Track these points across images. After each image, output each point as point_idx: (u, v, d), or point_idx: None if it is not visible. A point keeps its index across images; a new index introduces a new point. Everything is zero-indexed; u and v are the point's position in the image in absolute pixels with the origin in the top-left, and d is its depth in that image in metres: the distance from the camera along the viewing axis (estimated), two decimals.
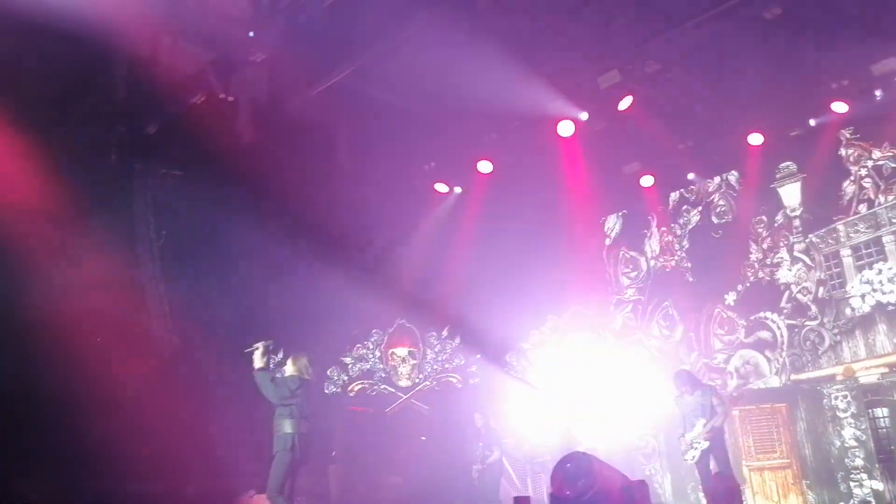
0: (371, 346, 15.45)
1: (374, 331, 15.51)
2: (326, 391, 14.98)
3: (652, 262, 14.50)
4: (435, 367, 15.42)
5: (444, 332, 15.58)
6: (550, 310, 15.26)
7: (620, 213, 15.05)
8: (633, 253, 14.78)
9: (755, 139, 12.32)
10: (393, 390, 15.18)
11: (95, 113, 10.87)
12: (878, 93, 11.04)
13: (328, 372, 15.06)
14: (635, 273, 14.70)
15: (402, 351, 15.51)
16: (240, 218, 11.99)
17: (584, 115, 11.83)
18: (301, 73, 11.05)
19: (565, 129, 11.92)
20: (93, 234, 11.11)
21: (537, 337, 15.29)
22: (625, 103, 11.51)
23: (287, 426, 8.83)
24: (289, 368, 9.30)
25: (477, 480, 11.00)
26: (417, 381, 15.33)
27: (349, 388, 15.09)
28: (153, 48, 10.45)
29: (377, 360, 15.39)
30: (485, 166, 13.03)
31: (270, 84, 11.31)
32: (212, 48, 10.53)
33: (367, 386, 15.17)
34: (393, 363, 15.39)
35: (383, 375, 15.29)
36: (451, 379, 15.12)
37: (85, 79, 10.46)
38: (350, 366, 15.24)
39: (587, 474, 5.62)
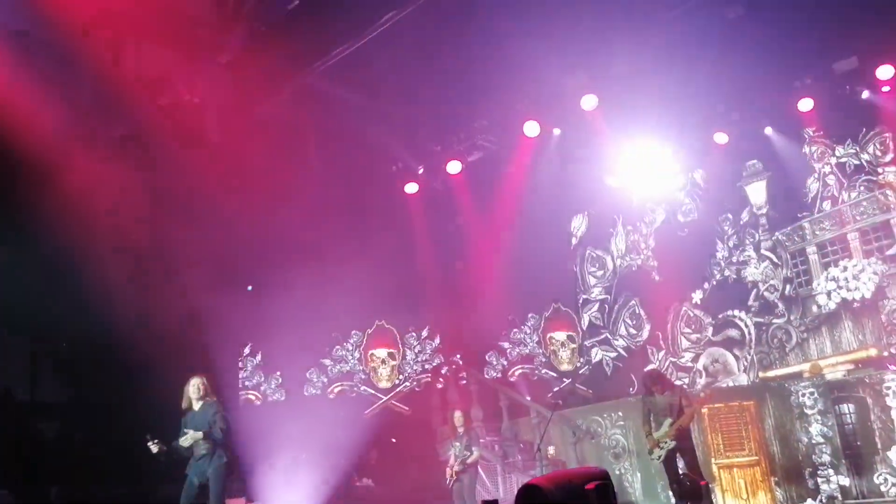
0: (350, 348, 15.42)
1: (353, 332, 15.48)
2: (306, 393, 14.97)
3: (618, 261, 14.53)
4: (415, 367, 15.42)
5: (424, 333, 15.57)
6: (531, 308, 15.26)
7: (586, 213, 15.06)
8: (598, 252, 14.80)
9: (720, 138, 12.42)
10: (373, 392, 15.14)
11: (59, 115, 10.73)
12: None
13: (307, 374, 15.02)
14: (601, 272, 14.73)
15: (381, 352, 15.50)
16: (210, 220, 11.92)
17: (557, 119, 11.95)
18: (267, 74, 10.99)
19: (531, 129, 11.94)
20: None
21: (517, 336, 15.29)
22: (590, 103, 11.55)
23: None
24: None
25: (454, 482, 10.94)
26: (397, 382, 15.32)
27: (329, 390, 15.06)
28: (117, 49, 10.36)
29: (357, 362, 15.37)
30: (453, 166, 13.03)
31: (236, 86, 11.26)
32: (177, 49, 10.48)
33: (347, 388, 15.15)
34: (373, 364, 15.36)
35: (363, 377, 15.27)
36: (430, 379, 15.11)
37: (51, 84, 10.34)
38: (330, 367, 15.22)
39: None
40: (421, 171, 13.37)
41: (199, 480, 8.69)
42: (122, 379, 11.40)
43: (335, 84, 11.46)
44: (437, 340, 15.48)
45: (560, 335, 15.14)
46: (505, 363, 15.24)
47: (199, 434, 8.64)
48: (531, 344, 15.20)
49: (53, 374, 11.08)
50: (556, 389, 14.31)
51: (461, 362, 15.03)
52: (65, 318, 11.26)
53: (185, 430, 8.74)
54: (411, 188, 13.71)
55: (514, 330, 15.40)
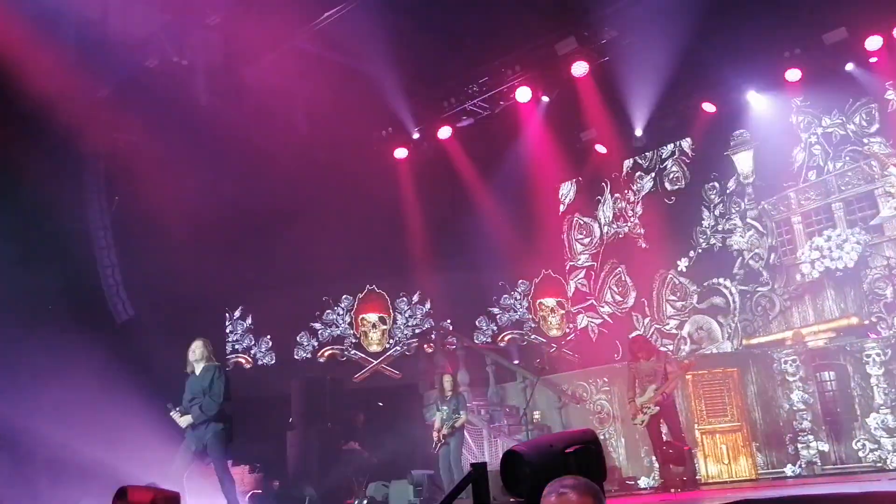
0: (341, 312, 15.44)
1: (344, 296, 15.49)
2: (296, 357, 14.98)
3: (605, 229, 14.63)
4: (405, 332, 15.47)
5: (415, 298, 15.61)
6: (521, 274, 15.31)
7: (574, 180, 15.12)
8: (586, 219, 14.89)
9: (709, 107, 12.47)
10: (363, 356, 15.19)
11: (43, 75, 10.57)
12: None
13: (298, 337, 15.04)
14: (588, 239, 14.82)
15: (372, 316, 15.54)
16: (196, 185, 11.83)
17: (544, 98, 11.93)
18: (257, 36, 10.87)
19: (522, 94, 11.92)
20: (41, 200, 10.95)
21: (507, 301, 15.35)
22: (580, 70, 11.54)
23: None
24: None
25: (441, 445, 11.03)
26: (388, 346, 15.38)
27: (319, 354, 15.10)
28: (103, 9, 10.21)
29: (347, 326, 15.40)
30: (444, 132, 13.00)
31: (226, 48, 11.14)
32: (164, 10, 10.34)
33: (337, 352, 15.19)
34: (363, 329, 15.39)
35: (354, 341, 15.30)
36: (418, 344, 15.18)
37: (31, 40, 10.17)
38: (320, 331, 15.24)
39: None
40: (413, 136, 13.30)
41: (195, 447, 8.62)
42: (108, 341, 11.37)
43: (325, 47, 11.37)
44: (428, 305, 15.52)
45: (550, 301, 15.28)
46: (495, 328, 15.36)
47: (188, 418, 8.58)
48: (521, 310, 15.32)
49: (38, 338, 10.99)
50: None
51: (451, 327, 15.08)
52: (48, 280, 11.19)
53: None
54: (401, 153, 13.66)
55: (505, 296, 15.51)
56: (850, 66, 11.47)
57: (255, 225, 13.00)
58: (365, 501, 12.29)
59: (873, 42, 11.02)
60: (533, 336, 15.11)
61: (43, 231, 11.02)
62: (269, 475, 12.54)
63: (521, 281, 15.37)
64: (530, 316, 15.23)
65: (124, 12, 10.50)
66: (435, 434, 11.14)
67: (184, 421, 8.58)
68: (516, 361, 14.19)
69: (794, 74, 11.70)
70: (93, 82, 10.80)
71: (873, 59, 11.25)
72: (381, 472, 12.56)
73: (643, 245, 14.01)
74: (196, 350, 8.84)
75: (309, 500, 12.02)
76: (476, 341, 15.05)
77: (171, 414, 8.60)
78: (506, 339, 15.22)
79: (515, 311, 15.36)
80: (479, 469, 4.44)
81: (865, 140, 11.70)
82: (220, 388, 8.66)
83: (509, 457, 3.58)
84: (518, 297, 15.35)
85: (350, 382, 14.52)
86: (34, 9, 9.42)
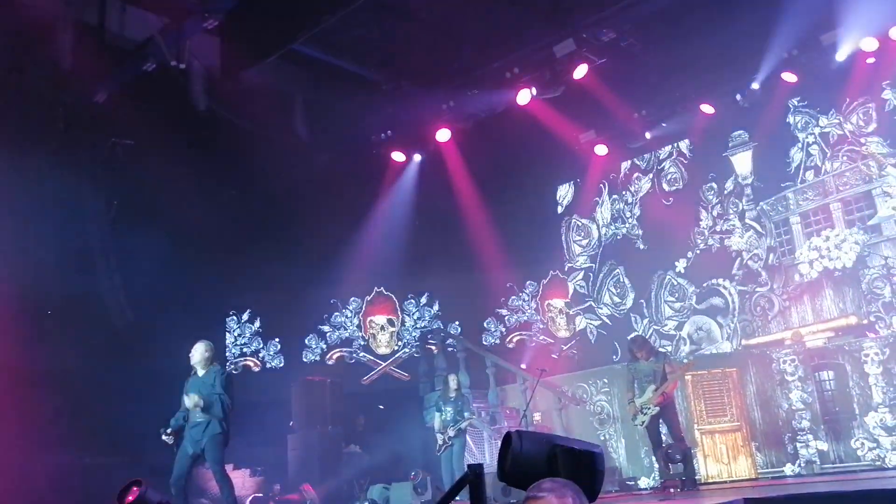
0: (349, 314, 15.46)
1: (352, 299, 15.51)
2: (305, 360, 14.97)
3: (603, 230, 14.64)
4: (413, 334, 15.48)
5: (423, 300, 15.63)
6: (529, 276, 15.31)
7: (572, 182, 15.13)
8: (584, 221, 14.90)
9: (707, 108, 12.50)
10: (372, 358, 15.21)
11: (41, 81, 10.57)
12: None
13: (306, 340, 15.04)
14: (587, 241, 14.84)
15: (380, 319, 15.57)
16: (196, 188, 11.84)
17: (546, 88, 11.95)
18: (255, 39, 10.88)
19: (522, 97, 11.93)
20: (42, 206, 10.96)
21: (516, 303, 15.34)
22: (580, 72, 11.55)
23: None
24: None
25: (445, 447, 11.03)
26: (396, 348, 15.40)
27: (328, 357, 15.12)
28: (100, 14, 10.21)
29: (356, 328, 15.41)
30: (443, 134, 13.00)
31: (224, 51, 11.14)
32: (162, 14, 10.33)
33: (346, 354, 15.19)
34: (372, 331, 15.41)
35: (362, 343, 15.32)
36: (429, 345, 15.19)
37: (28, 45, 10.17)
38: (328, 334, 15.25)
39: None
40: (410, 140, 13.31)
41: (193, 450, 8.62)
42: (108, 345, 11.37)
43: (323, 50, 11.38)
44: (436, 307, 15.53)
45: (558, 302, 15.29)
46: (503, 330, 15.36)
47: (200, 402, 8.55)
48: (529, 311, 15.29)
49: (39, 342, 10.98)
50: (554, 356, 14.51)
51: (459, 329, 15.10)
52: (49, 284, 11.19)
53: (187, 394, 8.70)
54: (398, 156, 13.65)
55: (513, 297, 15.47)
56: (846, 67, 11.49)
57: (259, 228, 12.99)
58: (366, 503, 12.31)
59: (869, 43, 11.05)
60: (541, 337, 15.11)
61: (42, 233, 11.02)
62: (270, 479, 12.54)
63: (529, 282, 15.35)
64: (539, 317, 15.22)
65: (122, 16, 10.50)
66: (440, 436, 11.13)
67: (169, 439, 8.57)
68: (523, 365, 14.19)
69: (790, 76, 11.73)
70: (92, 87, 10.81)
71: (870, 60, 11.28)
72: (381, 475, 12.57)
73: (641, 246, 14.04)
74: (199, 352, 8.86)
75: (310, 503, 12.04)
76: (484, 343, 15.07)
77: (164, 437, 8.58)
78: (514, 340, 15.22)
79: (524, 313, 15.35)
80: (476, 470, 4.44)
81: (863, 140, 11.74)
82: (226, 389, 8.69)
83: (505, 439, 3.71)
84: (526, 298, 15.33)
85: (350, 385, 14.49)
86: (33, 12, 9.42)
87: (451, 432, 10.97)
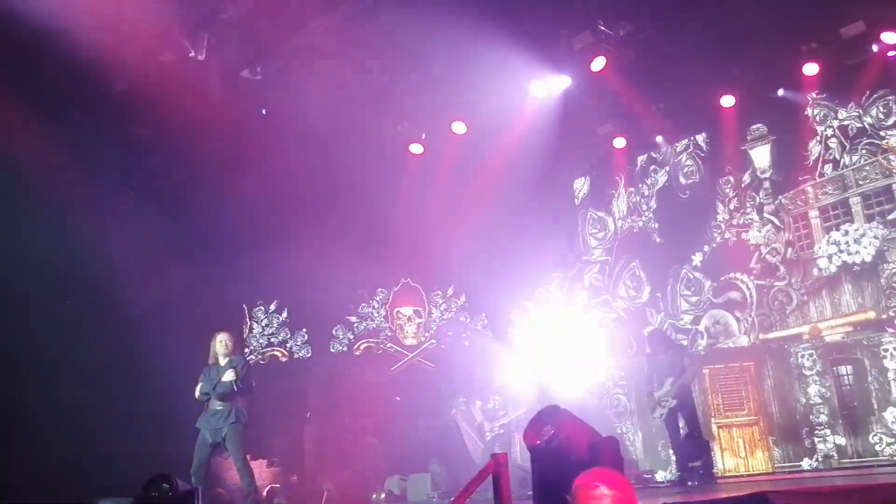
0: (376, 305, 15.50)
1: (379, 290, 15.55)
2: (332, 350, 15.02)
3: (619, 223, 14.56)
4: (440, 325, 15.49)
5: (450, 291, 15.63)
6: (556, 267, 15.19)
7: (588, 174, 15.05)
8: (600, 213, 14.82)
9: (727, 101, 12.43)
10: (399, 349, 15.23)
11: (59, 71, 10.59)
12: None
13: (334, 331, 15.07)
14: (602, 234, 14.77)
15: (407, 310, 15.59)
16: (211, 179, 11.86)
17: (564, 80, 11.90)
18: (273, 31, 10.86)
19: (538, 89, 11.90)
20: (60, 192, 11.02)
21: (542, 295, 15.30)
22: (598, 64, 11.52)
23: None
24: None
25: (488, 441, 11.11)
26: (423, 339, 15.42)
27: (355, 347, 15.14)
28: (118, 4, 10.20)
29: (382, 319, 15.45)
30: (459, 127, 12.98)
31: (241, 43, 11.13)
32: (180, 5, 10.33)
33: (373, 345, 15.22)
34: (399, 322, 15.44)
35: (389, 334, 15.35)
36: (434, 340, 15.26)
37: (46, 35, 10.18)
38: (356, 324, 15.29)
39: (554, 422, 5.79)
40: (424, 135, 13.31)
41: (212, 439, 8.69)
42: (126, 336, 11.43)
43: (340, 42, 11.35)
44: (463, 299, 15.53)
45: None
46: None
47: (232, 375, 8.67)
48: (555, 303, 15.21)
49: (57, 332, 11.04)
50: None
51: (487, 321, 15.11)
52: (67, 275, 11.25)
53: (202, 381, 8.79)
54: (416, 149, 13.63)
55: (539, 289, 15.34)
56: (866, 60, 11.42)
57: (282, 220, 12.98)
58: (383, 495, 12.35)
59: (890, 36, 10.98)
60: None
61: (57, 223, 11.08)
62: (287, 469, 12.58)
63: (555, 273, 15.11)
64: (387, 324, 15.29)
65: (139, 6, 10.49)
66: (487, 424, 11.22)
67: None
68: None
69: (811, 68, 11.66)
70: (108, 76, 10.83)
71: (891, 53, 11.20)
72: (399, 466, 12.60)
73: (657, 240, 13.96)
74: (225, 343, 8.93)
75: (327, 494, 12.07)
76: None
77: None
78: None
79: (372, 320, 15.41)
80: (500, 461, 4.43)
81: (883, 133, 11.63)
82: (248, 377, 8.84)
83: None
84: (553, 290, 15.11)
85: (370, 376, 14.50)
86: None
87: (490, 427, 11.13)
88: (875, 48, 11.24)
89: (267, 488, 11.79)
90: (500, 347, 14.24)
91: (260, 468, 11.84)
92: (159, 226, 11.93)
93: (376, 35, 11.10)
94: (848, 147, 11.95)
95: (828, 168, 12.12)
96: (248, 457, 9.51)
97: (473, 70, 11.75)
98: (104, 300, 11.57)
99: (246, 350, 14.31)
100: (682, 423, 10.28)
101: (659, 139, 13.77)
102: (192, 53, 10.79)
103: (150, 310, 12.05)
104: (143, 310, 12.09)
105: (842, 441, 11.11)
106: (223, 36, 10.97)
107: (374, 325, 15.33)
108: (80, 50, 10.21)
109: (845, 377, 11.30)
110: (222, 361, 8.90)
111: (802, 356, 11.55)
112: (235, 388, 8.72)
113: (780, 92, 12.25)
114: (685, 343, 12.68)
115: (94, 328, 11.31)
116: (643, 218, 14.21)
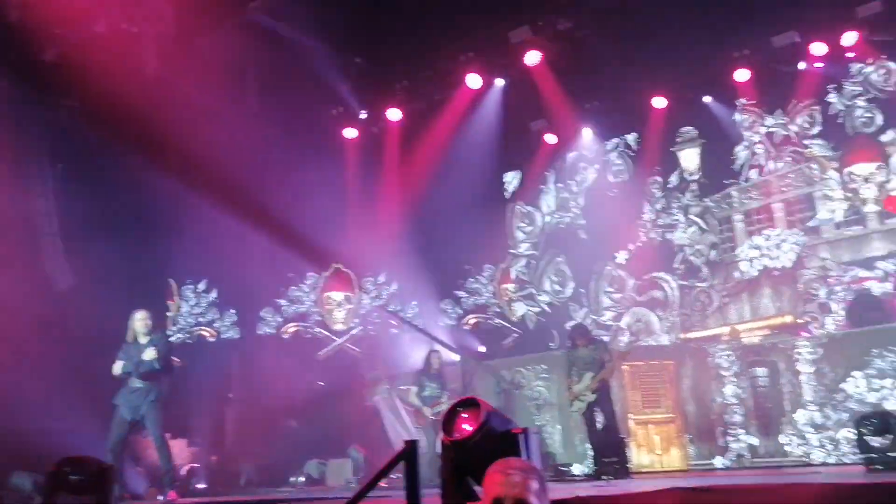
0: (307, 289, 15.37)
1: (309, 274, 15.39)
2: (259, 332, 14.87)
3: (547, 218, 14.66)
4: (370, 311, 15.42)
5: (381, 278, 15.56)
6: (488, 259, 15.21)
7: (519, 169, 15.09)
8: (529, 208, 14.92)
9: (659, 102, 12.61)
10: (327, 333, 15.14)
11: None
12: None
13: (261, 313, 14.92)
14: (531, 228, 14.85)
15: (337, 295, 15.48)
16: (142, 155, 11.66)
17: (499, 73, 11.94)
18: (210, 5, 10.70)
19: (473, 81, 11.94)
20: None
21: (473, 286, 15.34)
22: (532, 59, 11.59)
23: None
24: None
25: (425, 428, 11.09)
26: (352, 325, 15.33)
27: (283, 330, 15.01)
28: None
29: (312, 303, 15.34)
30: (394, 114, 12.95)
31: (178, 16, 10.94)
32: None
33: (301, 329, 15.08)
34: (328, 307, 15.33)
35: (318, 318, 15.23)
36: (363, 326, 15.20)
37: None
38: (284, 308, 15.15)
39: (473, 415, 5.81)
40: (362, 117, 13.24)
41: (131, 416, 8.59)
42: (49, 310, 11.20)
43: (277, 20, 11.25)
44: (395, 286, 15.48)
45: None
46: (461, 312, 15.27)
47: (153, 353, 8.59)
48: (486, 294, 15.24)
49: None
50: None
51: (418, 309, 15.12)
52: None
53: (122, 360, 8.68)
54: (350, 133, 13.58)
55: (471, 279, 15.34)
56: (795, 69, 11.69)
57: (214, 199, 12.79)
58: (302, 479, 12.31)
59: (819, 48, 11.26)
60: (497, 320, 15.03)
61: None
62: (207, 450, 12.48)
63: (486, 266, 15.17)
64: (496, 300, 15.17)
65: None
66: (427, 409, 11.20)
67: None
68: (482, 348, 14.26)
69: (742, 74, 11.89)
70: (39, 44, 10.59)
71: (819, 65, 11.48)
72: (318, 450, 12.57)
73: (584, 236, 14.09)
74: (141, 320, 8.83)
75: (246, 476, 12.01)
76: (440, 325, 15.02)
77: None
78: (470, 322, 15.20)
79: (481, 296, 15.28)
80: (411, 445, 4.44)
81: (807, 142, 11.93)
82: (168, 355, 8.79)
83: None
84: (484, 280, 15.19)
85: (296, 360, 14.39)
86: None
87: (429, 412, 11.08)
88: (804, 61, 11.52)
89: (186, 468, 11.68)
90: (432, 335, 14.23)
91: (180, 447, 11.72)
92: (88, 199, 11.69)
93: (317, 16, 11.02)
94: (773, 154, 12.23)
95: (753, 173, 12.40)
96: (168, 435, 9.44)
97: (411, 57, 11.76)
98: (31, 271, 11.30)
99: (174, 327, 14.14)
100: (599, 418, 10.40)
101: (589, 137, 13.88)
102: (126, 25, 10.60)
103: (78, 283, 11.81)
104: (70, 283, 11.85)
105: (755, 441, 11.38)
106: (159, 8, 10.81)
107: (303, 309, 15.23)
108: (9, 14, 10.00)
109: (761, 378, 11.54)
110: (143, 340, 8.80)
111: (720, 357, 11.79)
112: (157, 367, 8.64)
113: (707, 99, 12.47)
114: (606, 339, 12.85)
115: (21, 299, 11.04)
116: (570, 214, 14.31)
